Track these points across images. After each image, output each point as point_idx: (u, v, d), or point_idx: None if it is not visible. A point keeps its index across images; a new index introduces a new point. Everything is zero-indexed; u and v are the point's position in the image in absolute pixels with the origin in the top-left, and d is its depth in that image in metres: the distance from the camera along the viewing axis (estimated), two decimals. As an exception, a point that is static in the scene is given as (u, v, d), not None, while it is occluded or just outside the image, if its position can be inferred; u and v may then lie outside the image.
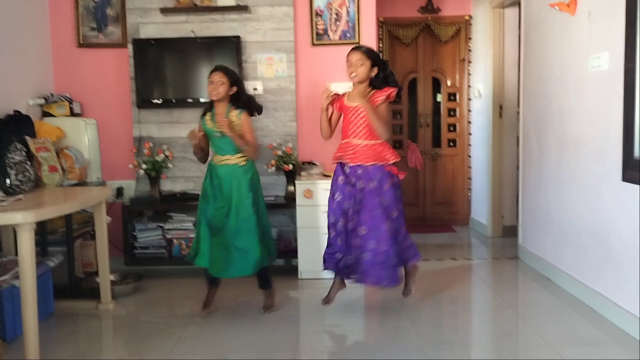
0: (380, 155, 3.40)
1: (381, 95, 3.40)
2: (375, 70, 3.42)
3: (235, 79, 3.49)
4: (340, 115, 3.56)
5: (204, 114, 3.55)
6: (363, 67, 3.38)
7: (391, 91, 3.41)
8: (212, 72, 3.46)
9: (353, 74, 3.39)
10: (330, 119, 3.57)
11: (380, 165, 3.39)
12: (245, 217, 3.41)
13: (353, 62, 3.39)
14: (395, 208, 3.40)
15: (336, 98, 3.54)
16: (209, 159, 3.62)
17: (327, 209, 3.56)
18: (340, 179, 3.47)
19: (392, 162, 3.42)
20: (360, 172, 3.41)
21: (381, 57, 3.47)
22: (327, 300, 3.56)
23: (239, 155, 3.48)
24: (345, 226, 3.43)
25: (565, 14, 3.81)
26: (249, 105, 3.53)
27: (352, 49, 3.45)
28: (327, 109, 3.50)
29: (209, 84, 3.44)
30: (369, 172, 3.39)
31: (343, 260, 3.43)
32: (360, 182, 3.40)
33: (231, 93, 3.46)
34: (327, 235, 3.57)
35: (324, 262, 3.55)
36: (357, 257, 3.32)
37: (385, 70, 3.47)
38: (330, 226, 3.51)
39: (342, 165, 3.50)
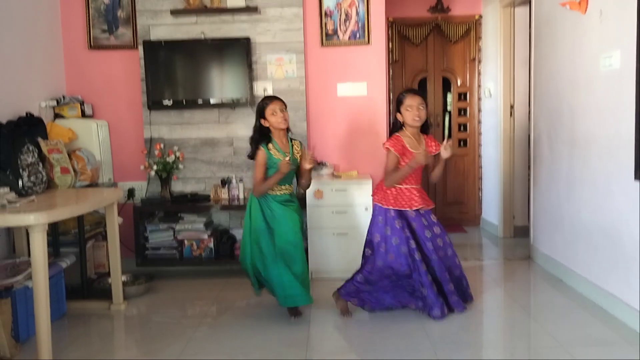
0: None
1: (436, 147, 3.50)
2: (426, 113, 3.49)
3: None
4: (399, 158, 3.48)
5: (265, 144, 3.43)
6: (424, 112, 3.44)
7: (447, 144, 3.43)
8: (270, 102, 3.42)
9: (417, 119, 3.42)
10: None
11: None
12: (296, 241, 3.45)
13: (415, 107, 3.41)
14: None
15: (398, 144, 3.45)
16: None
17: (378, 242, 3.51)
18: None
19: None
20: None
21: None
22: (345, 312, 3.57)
23: (290, 185, 3.55)
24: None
25: (576, 12, 3.79)
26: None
27: (411, 92, 3.47)
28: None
29: (272, 114, 3.39)
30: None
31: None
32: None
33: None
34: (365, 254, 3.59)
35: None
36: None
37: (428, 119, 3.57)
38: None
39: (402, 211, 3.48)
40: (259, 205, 3.47)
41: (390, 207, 3.45)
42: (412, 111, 3.40)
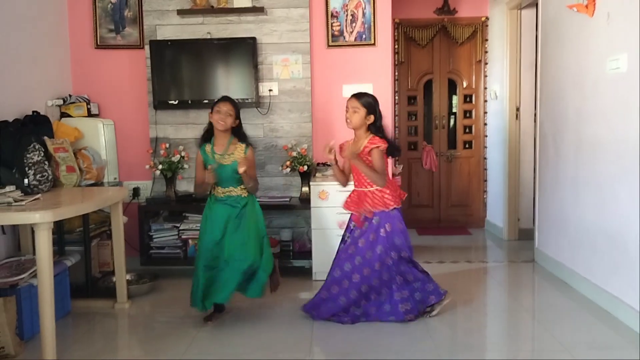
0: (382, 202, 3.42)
1: (371, 144, 3.37)
2: (370, 119, 3.41)
3: (239, 112, 3.48)
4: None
5: (202, 144, 3.48)
6: (357, 115, 3.40)
7: (379, 145, 3.36)
8: (219, 101, 3.44)
9: (347, 120, 3.45)
10: (343, 169, 3.58)
11: (380, 211, 3.42)
12: (243, 235, 3.39)
13: (349, 109, 3.43)
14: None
15: (343, 146, 3.51)
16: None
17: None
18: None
19: (391, 207, 3.42)
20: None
21: (377, 107, 3.45)
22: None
23: (242, 187, 3.45)
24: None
25: (583, 15, 3.78)
26: (246, 138, 3.52)
27: (351, 96, 3.47)
28: (336, 162, 3.49)
29: (216, 113, 3.38)
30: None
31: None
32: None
33: (234, 125, 3.45)
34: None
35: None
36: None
37: (378, 120, 3.44)
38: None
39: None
40: (207, 205, 3.50)
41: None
42: (346, 113, 3.44)
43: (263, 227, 3.52)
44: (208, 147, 3.45)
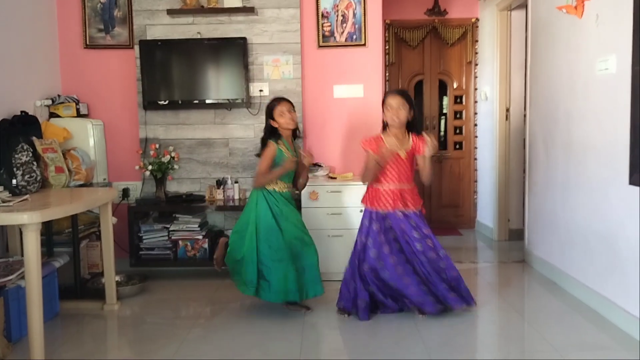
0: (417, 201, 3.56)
1: (425, 147, 3.43)
2: (412, 114, 3.46)
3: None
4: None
5: (276, 141, 3.57)
6: (403, 112, 3.43)
7: (434, 142, 3.43)
8: (279, 102, 3.59)
9: (395, 119, 3.42)
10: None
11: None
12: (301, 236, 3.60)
13: (394, 106, 3.42)
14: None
15: (375, 143, 3.48)
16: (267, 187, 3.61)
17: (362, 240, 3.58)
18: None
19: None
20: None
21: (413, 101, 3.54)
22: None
23: (290, 184, 3.69)
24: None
25: (572, 16, 3.80)
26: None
27: (394, 92, 3.49)
28: (379, 165, 3.46)
29: (279, 115, 3.55)
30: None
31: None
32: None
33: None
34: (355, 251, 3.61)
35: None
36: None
37: (416, 115, 3.54)
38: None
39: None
40: (266, 202, 3.55)
41: (372, 209, 3.51)
42: (391, 111, 3.42)
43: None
44: (281, 143, 3.59)
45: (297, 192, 4.06)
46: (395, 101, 3.42)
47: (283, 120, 3.55)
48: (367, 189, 3.57)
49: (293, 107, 3.64)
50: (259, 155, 3.64)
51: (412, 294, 3.41)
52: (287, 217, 3.55)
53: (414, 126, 3.51)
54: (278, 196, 3.57)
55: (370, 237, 3.47)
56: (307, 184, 4.21)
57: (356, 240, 3.59)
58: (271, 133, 3.59)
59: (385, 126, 3.55)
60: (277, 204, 3.55)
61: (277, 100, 3.61)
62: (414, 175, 3.54)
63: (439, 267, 3.47)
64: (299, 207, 4.24)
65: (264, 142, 3.61)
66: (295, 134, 3.70)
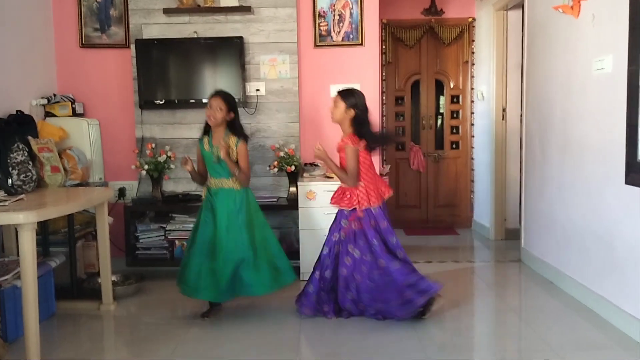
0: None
1: (344, 144, 3.44)
2: (351, 112, 3.44)
3: (234, 106, 3.50)
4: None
5: (201, 137, 3.56)
6: (337, 110, 3.46)
7: (348, 143, 3.41)
8: (211, 96, 3.49)
9: (331, 115, 3.51)
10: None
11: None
12: (235, 237, 3.44)
13: (212, 106, 3.44)
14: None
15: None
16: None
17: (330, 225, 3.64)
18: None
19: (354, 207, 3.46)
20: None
21: (357, 101, 3.47)
22: None
23: (234, 179, 3.48)
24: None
25: (569, 16, 3.80)
26: (242, 132, 3.52)
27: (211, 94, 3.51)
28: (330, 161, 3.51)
29: (208, 108, 3.45)
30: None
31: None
32: None
33: (228, 119, 3.47)
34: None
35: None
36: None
37: (360, 116, 3.46)
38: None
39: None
40: (206, 197, 3.57)
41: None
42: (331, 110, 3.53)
43: (263, 227, 3.58)
44: (205, 140, 3.52)
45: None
46: (333, 99, 3.51)
47: (206, 114, 3.46)
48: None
49: (226, 102, 3.43)
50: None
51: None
52: (217, 213, 3.45)
53: (359, 125, 3.45)
54: (212, 191, 3.53)
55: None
56: (302, 182, 4.23)
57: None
58: (206, 125, 3.54)
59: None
60: (210, 199, 3.52)
61: (214, 93, 3.52)
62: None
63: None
64: (295, 205, 4.24)
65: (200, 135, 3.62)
66: (234, 129, 3.48)
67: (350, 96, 3.45)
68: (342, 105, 3.43)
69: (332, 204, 3.55)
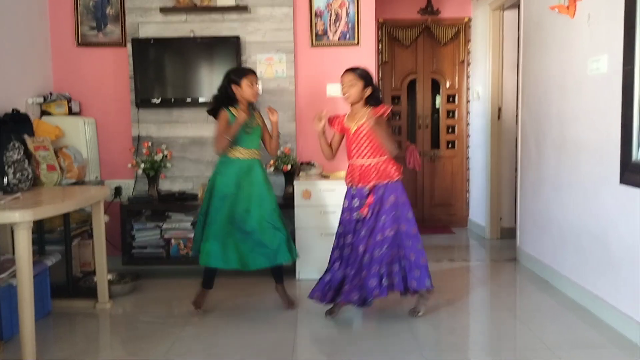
0: (386, 173, 3.39)
1: (373, 113, 3.34)
2: (368, 91, 3.40)
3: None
4: (342, 137, 3.53)
5: (227, 108, 3.50)
6: (355, 88, 3.38)
7: (387, 107, 3.41)
8: (250, 74, 3.53)
9: (345, 95, 3.41)
10: (331, 143, 3.55)
11: (386, 182, 3.38)
12: (260, 212, 3.50)
13: (344, 83, 3.40)
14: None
15: (335, 120, 3.51)
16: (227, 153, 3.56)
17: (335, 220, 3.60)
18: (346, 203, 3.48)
19: (396, 179, 3.40)
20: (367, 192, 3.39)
21: (372, 78, 3.47)
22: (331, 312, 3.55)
23: (259, 152, 3.61)
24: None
25: (564, 16, 3.82)
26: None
27: (345, 71, 3.44)
28: (323, 132, 3.46)
29: (249, 86, 3.47)
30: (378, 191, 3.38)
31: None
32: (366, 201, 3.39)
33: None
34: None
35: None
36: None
37: (377, 91, 3.47)
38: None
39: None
40: (225, 168, 3.52)
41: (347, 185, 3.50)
42: (342, 88, 3.43)
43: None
44: (234, 110, 3.50)
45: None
46: (345, 78, 3.41)
47: (250, 90, 3.48)
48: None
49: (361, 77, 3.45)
50: (210, 113, 3.58)
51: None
52: (244, 187, 3.48)
53: (372, 101, 3.43)
54: (239, 163, 3.51)
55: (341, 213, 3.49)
56: (298, 182, 4.23)
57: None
58: (227, 97, 3.51)
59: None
60: (236, 171, 3.49)
61: (250, 70, 3.57)
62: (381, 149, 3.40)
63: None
64: (291, 204, 4.25)
65: (215, 101, 3.56)
66: (252, 106, 3.63)
67: (365, 74, 3.42)
68: (359, 84, 3.37)
69: (385, 180, 3.36)
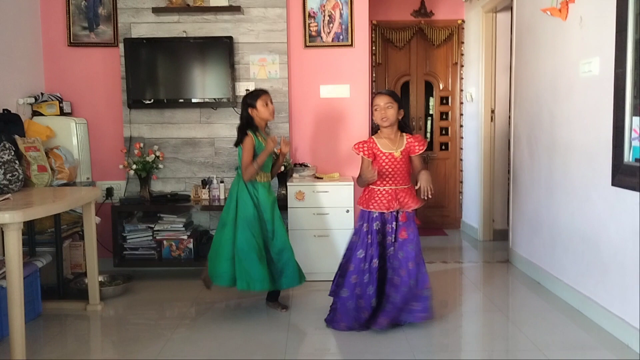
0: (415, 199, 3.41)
1: (421, 145, 3.39)
2: (402, 113, 3.40)
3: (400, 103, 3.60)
4: (370, 161, 3.39)
5: (254, 132, 3.55)
6: (392, 111, 3.34)
7: (425, 141, 3.44)
8: (266, 92, 3.61)
9: (384, 118, 3.34)
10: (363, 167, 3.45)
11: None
12: (282, 232, 3.62)
13: (381, 106, 3.34)
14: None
15: (362, 145, 3.40)
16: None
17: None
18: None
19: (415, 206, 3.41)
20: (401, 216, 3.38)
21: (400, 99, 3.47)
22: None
23: (268, 173, 3.67)
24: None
25: (556, 19, 3.83)
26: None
27: (379, 93, 3.40)
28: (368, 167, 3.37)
29: (265, 106, 3.55)
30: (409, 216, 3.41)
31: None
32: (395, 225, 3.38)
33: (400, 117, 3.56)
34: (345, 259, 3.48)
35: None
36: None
37: (405, 116, 3.47)
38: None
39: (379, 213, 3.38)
40: (247, 191, 3.54)
41: (365, 210, 3.40)
42: (379, 111, 3.35)
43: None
44: (258, 134, 3.58)
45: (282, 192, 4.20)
46: (382, 101, 3.34)
47: (267, 110, 3.55)
48: (364, 190, 3.47)
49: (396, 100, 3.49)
50: (237, 144, 3.58)
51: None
52: (265, 208, 3.55)
53: (405, 125, 3.46)
54: (258, 186, 3.57)
55: (360, 237, 3.38)
56: (291, 183, 4.23)
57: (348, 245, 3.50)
58: (249, 123, 3.56)
59: (375, 128, 3.48)
60: (257, 194, 3.55)
61: (263, 91, 3.62)
62: (411, 176, 3.45)
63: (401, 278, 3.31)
64: (285, 206, 4.24)
65: (242, 132, 3.56)
66: (266, 125, 3.71)
67: (398, 97, 3.42)
68: (396, 105, 3.36)
69: (414, 207, 3.39)
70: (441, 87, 6.35)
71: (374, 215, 3.36)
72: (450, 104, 6.37)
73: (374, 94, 3.49)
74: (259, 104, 3.54)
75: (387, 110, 3.33)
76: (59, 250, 3.85)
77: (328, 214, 4.24)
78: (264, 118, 3.57)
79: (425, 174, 3.30)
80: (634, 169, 2.92)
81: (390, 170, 3.35)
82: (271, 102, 3.60)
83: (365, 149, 3.37)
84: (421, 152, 3.39)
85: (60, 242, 3.87)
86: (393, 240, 3.36)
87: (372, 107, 3.47)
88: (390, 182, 3.36)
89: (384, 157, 3.35)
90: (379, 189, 3.37)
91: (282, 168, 3.75)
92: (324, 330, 3.34)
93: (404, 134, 3.43)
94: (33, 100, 4.41)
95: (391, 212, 3.35)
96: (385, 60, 6.26)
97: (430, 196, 3.28)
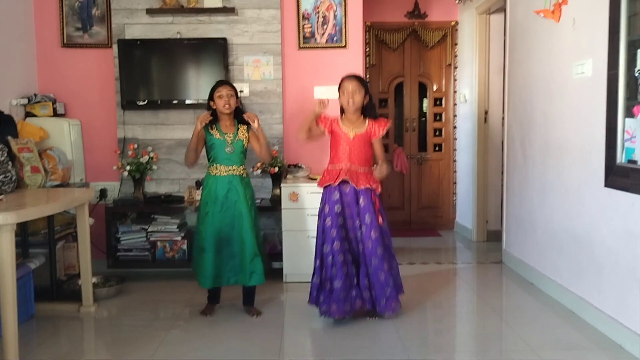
0: (372, 180, 3.45)
1: (382, 129, 3.47)
2: (367, 99, 3.45)
3: (237, 92, 3.61)
4: (323, 132, 3.52)
5: (207, 127, 3.52)
6: (359, 96, 3.40)
7: (387, 126, 3.50)
8: (218, 86, 3.54)
9: (350, 102, 3.40)
10: (310, 129, 3.52)
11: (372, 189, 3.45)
12: (247, 228, 3.51)
13: (349, 90, 3.40)
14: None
15: (326, 119, 3.49)
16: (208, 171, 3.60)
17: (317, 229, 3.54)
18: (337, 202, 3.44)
19: (379, 191, 3.49)
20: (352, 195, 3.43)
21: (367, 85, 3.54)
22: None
23: (243, 167, 3.58)
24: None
25: (550, 21, 3.85)
26: (244, 119, 3.60)
27: (347, 78, 3.44)
28: (314, 118, 3.45)
29: (218, 98, 3.49)
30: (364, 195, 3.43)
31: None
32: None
33: (237, 105, 3.59)
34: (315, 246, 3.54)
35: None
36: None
37: (372, 100, 3.52)
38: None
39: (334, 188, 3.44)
40: (208, 187, 3.55)
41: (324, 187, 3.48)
42: (346, 95, 3.41)
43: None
44: (215, 128, 3.54)
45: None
46: (350, 85, 3.40)
47: (219, 102, 3.49)
48: (322, 173, 3.56)
49: (236, 93, 3.57)
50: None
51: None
52: (224, 203, 3.50)
53: (370, 110, 3.49)
54: (218, 180, 3.52)
55: (327, 216, 3.44)
56: (285, 184, 4.23)
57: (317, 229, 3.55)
58: (215, 117, 3.55)
59: (342, 111, 3.52)
60: (216, 189, 3.51)
61: (219, 83, 3.60)
62: (372, 161, 3.50)
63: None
64: (278, 207, 4.24)
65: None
66: (241, 119, 3.61)
67: (365, 82, 3.48)
68: (362, 90, 3.41)
69: (373, 185, 3.44)
70: (435, 89, 6.36)
71: (331, 187, 3.44)
72: (444, 105, 6.39)
73: (342, 78, 3.49)
74: (215, 96, 3.52)
75: (355, 95, 3.40)
76: (53, 251, 3.84)
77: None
78: (219, 110, 3.52)
79: (381, 167, 3.37)
80: (627, 170, 2.94)
81: (344, 149, 3.44)
82: (228, 95, 3.49)
83: (328, 122, 3.48)
84: (381, 135, 3.47)
85: (53, 243, 3.85)
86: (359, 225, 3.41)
87: (339, 89, 3.49)
88: (345, 160, 3.44)
89: (341, 135, 3.46)
90: (333, 167, 3.48)
91: (267, 151, 3.66)
92: (318, 330, 3.34)
93: (367, 118, 3.48)
94: (26, 101, 4.39)
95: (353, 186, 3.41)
96: (379, 61, 6.27)
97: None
